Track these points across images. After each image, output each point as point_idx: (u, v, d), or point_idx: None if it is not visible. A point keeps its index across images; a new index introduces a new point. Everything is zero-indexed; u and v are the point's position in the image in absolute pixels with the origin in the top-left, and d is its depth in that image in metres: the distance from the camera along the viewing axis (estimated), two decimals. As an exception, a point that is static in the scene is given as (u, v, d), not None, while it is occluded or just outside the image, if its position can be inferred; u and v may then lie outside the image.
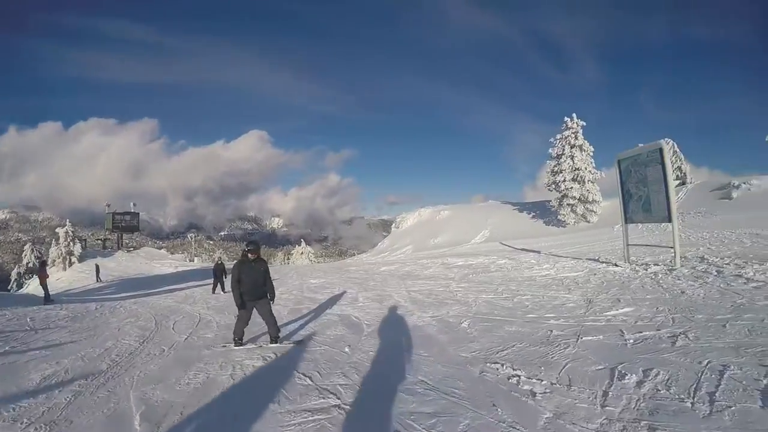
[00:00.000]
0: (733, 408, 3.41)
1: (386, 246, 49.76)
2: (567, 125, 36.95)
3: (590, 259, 13.39)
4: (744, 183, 29.42)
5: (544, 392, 4.10)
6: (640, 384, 4.04)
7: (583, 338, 5.62)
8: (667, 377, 4.11)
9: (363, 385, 4.78)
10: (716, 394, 3.66)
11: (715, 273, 8.82)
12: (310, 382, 4.88)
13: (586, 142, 36.64)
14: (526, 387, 4.27)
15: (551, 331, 6.15)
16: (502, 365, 4.91)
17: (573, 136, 36.60)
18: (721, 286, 7.78)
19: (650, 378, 4.13)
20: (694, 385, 3.87)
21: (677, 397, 3.71)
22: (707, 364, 4.29)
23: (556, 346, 5.42)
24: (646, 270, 10.15)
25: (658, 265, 10.67)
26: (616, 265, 11.41)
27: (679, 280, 8.74)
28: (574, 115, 36.81)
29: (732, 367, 4.16)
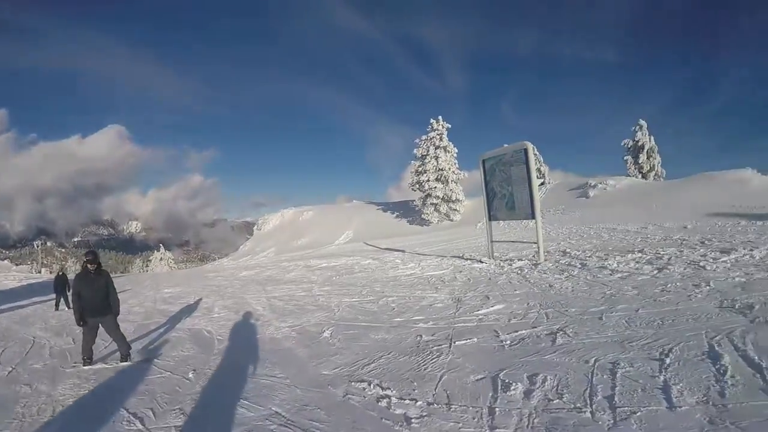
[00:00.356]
0: (638, 413, 3.03)
1: (249, 249, 47.94)
2: (433, 127, 38.81)
3: (455, 257, 13.42)
4: (600, 183, 33.46)
5: (421, 416, 3.42)
6: (528, 394, 3.53)
7: (457, 342, 5.11)
8: (556, 383, 3.68)
9: (204, 425, 3.82)
10: (615, 398, 3.27)
11: (579, 266, 9.08)
12: (140, 427, 3.80)
13: (450, 143, 38.81)
14: (398, 411, 3.57)
15: (421, 336, 5.58)
16: (369, 384, 4.17)
17: (438, 137, 38.45)
18: (588, 278, 7.93)
19: (538, 385, 3.67)
20: (588, 390, 3.46)
21: (573, 406, 3.25)
22: (595, 363, 3.96)
23: (428, 354, 4.82)
24: (511, 265, 10.23)
25: (522, 260, 10.87)
26: (481, 262, 11.45)
27: (545, 273, 8.83)
28: (440, 117, 38.94)
29: (622, 363, 3.87)
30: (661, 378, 3.49)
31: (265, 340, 6.41)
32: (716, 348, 3.94)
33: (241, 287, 13.08)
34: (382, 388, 4.05)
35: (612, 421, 2.97)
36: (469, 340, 5.13)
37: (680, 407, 3.05)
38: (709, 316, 4.87)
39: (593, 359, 4.05)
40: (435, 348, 5.01)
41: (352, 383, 4.29)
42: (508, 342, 4.93)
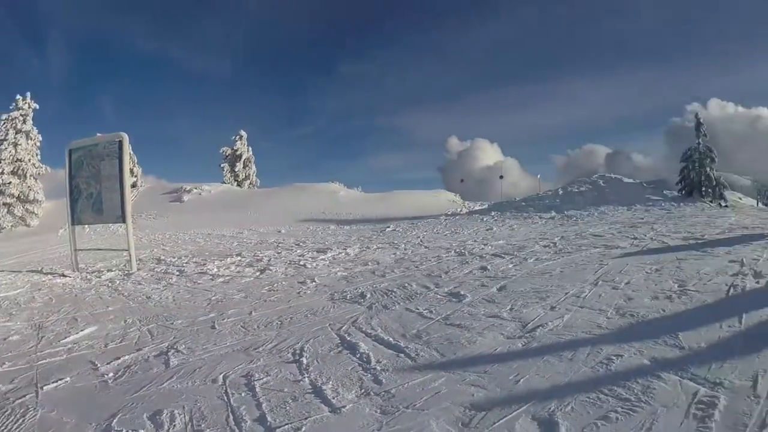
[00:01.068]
0: (302, 428, 2.67)
1: None
2: (18, 105, 30.95)
3: (32, 271, 10.78)
4: (195, 189, 33.80)
5: None
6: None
7: (45, 388, 3.72)
8: (188, 417, 2.96)
9: None
10: (267, 418, 2.82)
11: (178, 273, 8.59)
12: None
13: (35, 129, 31.83)
14: None
15: (-5, 388, 3.92)
16: None
17: (22, 119, 31.01)
18: (188, 285, 7.51)
19: (166, 427, 2.87)
20: (231, 416, 2.92)
21: (222, 441, 2.67)
22: (225, 380, 3.47)
23: (10, 414, 3.28)
24: (100, 278, 8.84)
25: (112, 270, 9.55)
26: (64, 276, 9.53)
27: (140, 284, 7.91)
28: (28, 94, 31.44)
29: (256, 374, 3.50)
30: (307, 381, 3.29)
31: None
32: (348, 338, 4.06)
33: None
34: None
35: (276, 445, 2.57)
36: (61, 381, 3.82)
37: (344, 407, 2.87)
38: (326, 309, 5.11)
39: (221, 376, 3.55)
40: (17, 402, 3.49)
41: None
42: (112, 375, 3.89)
